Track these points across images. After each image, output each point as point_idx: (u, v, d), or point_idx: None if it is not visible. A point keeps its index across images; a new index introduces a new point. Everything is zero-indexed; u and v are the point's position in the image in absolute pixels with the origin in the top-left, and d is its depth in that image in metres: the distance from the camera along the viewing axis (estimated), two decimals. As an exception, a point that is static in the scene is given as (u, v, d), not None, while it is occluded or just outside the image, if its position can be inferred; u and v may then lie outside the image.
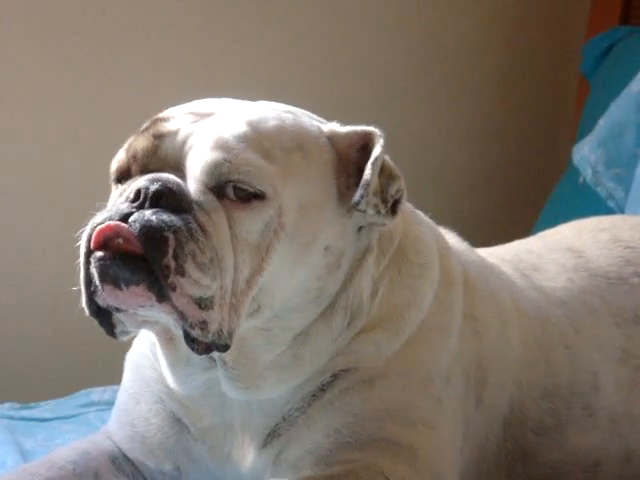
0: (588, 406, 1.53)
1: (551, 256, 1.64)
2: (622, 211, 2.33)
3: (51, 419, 1.98)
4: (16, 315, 2.44)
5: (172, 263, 1.18)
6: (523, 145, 2.98)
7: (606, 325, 1.58)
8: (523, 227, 2.34)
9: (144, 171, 1.27)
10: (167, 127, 1.28)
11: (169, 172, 1.25)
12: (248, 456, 1.37)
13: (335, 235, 1.31)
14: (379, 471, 1.30)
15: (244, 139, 1.26)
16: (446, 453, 1.37)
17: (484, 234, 1.90)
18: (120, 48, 2.49)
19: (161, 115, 1.32)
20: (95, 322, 1.26)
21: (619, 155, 2.40)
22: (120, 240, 1.19)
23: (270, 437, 1.36)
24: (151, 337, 1.37)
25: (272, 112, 1.32)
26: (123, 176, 1.29)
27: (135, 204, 1.22)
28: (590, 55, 2.72)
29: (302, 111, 1.37)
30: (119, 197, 1.26)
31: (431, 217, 1.53)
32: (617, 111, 2.44)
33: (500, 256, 1.62)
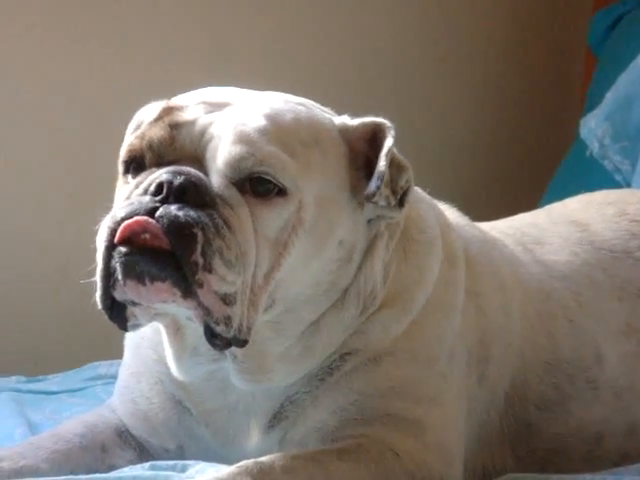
0: (591, 380, 1.53)
1: (555, 229, 1.63)
2: (629, 184, 2.33)
3: (58, 392, 1.99)
4: (24, 289, 2.45)
5: (200, 260, 1.17)
6: (530, 118, 2.97)
7: (609, 299, 1.58)
8: (530, 201, 2.34)
9: (160, 162, 1.25)
10: (183, 116, 1.26)
11: (186, 164, 1.23)
12: (253, 437, 1.37)
13: (349, 229, 1.31)
14: (387, 446, 1.31)
15: (265, 132, 1.24)
16: (452, 428, 1.38)
17: (491, 208, 1.90)
18: (128, 33, 2.49)
19: (173, 103, 1.29)
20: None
21: (626, 128, 2.39)
22: (147, 235, 1.18)
23: (276, 419, 1.36)
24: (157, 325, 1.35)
25: (286, 105, 1.31)
26: (135, 165, 1.27)
27: (158, 198, 1.20)
28: (598, 28, 2.70)
29: (311, 102, 1.36)
30: (136, 188, 1.24)
31: (437, 190, 1.53)
32: (624, 84, 2.43)
33: (502, 230, 1.62)
